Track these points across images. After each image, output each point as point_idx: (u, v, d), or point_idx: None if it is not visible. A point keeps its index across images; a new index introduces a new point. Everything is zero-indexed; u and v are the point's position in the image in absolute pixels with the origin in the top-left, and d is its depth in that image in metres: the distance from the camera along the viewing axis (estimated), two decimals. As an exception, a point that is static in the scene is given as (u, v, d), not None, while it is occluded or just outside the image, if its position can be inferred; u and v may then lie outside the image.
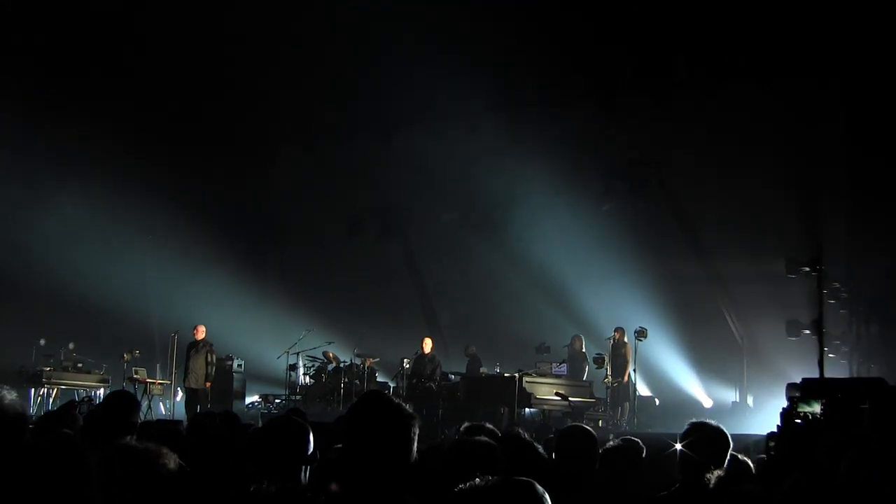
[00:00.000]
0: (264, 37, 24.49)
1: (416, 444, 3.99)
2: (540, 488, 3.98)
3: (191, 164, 27.74)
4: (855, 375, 17.94)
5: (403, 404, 4.07)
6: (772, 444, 8.89)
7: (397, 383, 22.82)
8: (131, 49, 24.74)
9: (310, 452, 5.00)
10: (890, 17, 19.44)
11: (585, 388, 20.50)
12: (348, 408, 4.22)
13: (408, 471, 3.94)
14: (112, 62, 25.11)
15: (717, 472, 6.00)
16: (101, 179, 25.87)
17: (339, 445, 5.71)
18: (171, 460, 4.27)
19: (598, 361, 21.21)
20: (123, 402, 7.01)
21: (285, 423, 5.23)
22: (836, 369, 18.55)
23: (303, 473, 4.90)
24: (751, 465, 7.05)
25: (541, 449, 6.35)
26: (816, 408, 9.43)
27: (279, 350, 24.70)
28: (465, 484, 3.57)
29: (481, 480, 3.58)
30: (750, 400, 22.93)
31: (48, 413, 9.94)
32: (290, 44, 24.63)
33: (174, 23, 24.10)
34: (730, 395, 23.45)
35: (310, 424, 5.43)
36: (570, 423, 17.94)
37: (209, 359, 21.37)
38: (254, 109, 26.80)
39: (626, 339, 21.28)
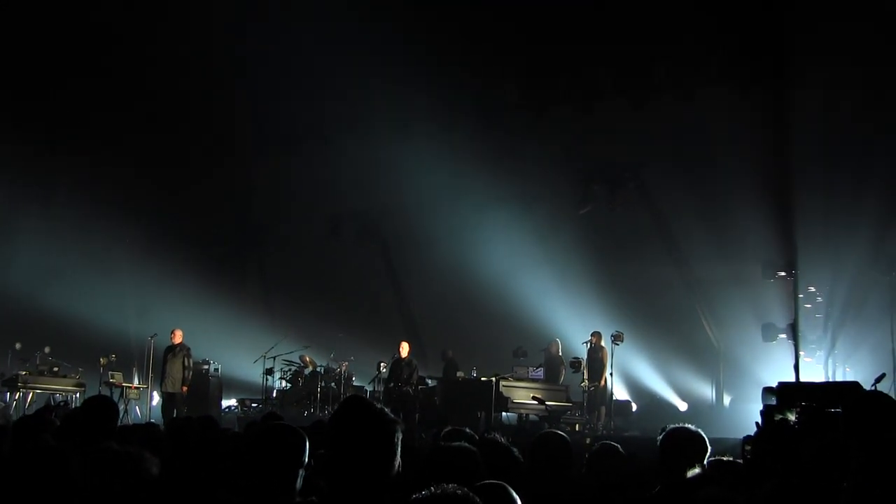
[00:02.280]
0: (243, 41, 24.49)
1: (399, 451, 3.98)
2: (512, 492, 3.99)
3: (167, 168, 27.69)
4: (830, 379, 18.06)
5: (386, 410, 4.05)
6: (748, 447, 8.94)
7: (374, 387, 22.79)
8: (109, 54, 24.69)
9: (306, 460, 4.97)
10: (867, 22, 19.63)
11: (562, 392, 20.54)
12: (331, 414, 4.20)
13: (391, 478, 3.93)
14: (86, 68, 25.06)
15: (694, 471, 6.06)
16: (75, 185, 25.76)
17: (320, 451, 5.71)
18: (154, 465, 4.27)
19: (575, 365, 21.24)
20: (103, 407, 6.99)
21: (284, 430, 5.18)
22: (812, 373, 18.67)
23: (298, 480, 4.87)
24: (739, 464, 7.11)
25: (517, 453, 6.37)
26: (791, 415, 9.49)
27: (256, 354, 24.63)
28: (436, 488, 3.56)
29: (453, 485, 3.58)
30: (726, 403, 23.00)
31: (23, 418, 9.90)
32: (269, 47, 24.65)
33: (148, 28, 24.11)
34: (706, 399, 23.52)
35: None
36: (546, 426, 18.02)
37: (186, 363, 21.26)
38: (232, 113, 26.79)
39: (602, 343, 21.30)
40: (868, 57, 20.01)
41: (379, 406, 4.09)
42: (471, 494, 3.52)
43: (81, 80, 25.29)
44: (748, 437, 9.14)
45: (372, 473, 3.86)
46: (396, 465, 3.96)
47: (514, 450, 6.36)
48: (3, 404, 22.07)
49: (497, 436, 6.77)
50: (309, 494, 4.70)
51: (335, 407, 22.48)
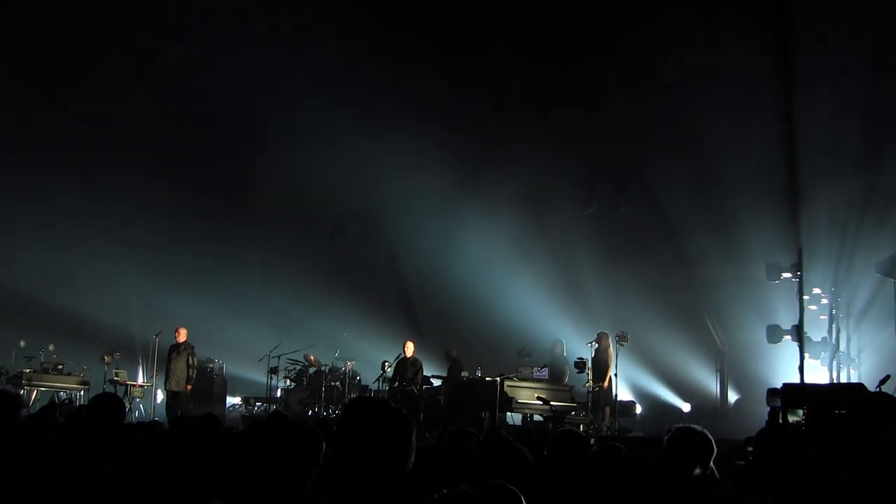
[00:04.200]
0: (244, 40, 24.49)
1: (413, 449, 3.96)
2: (511, 488, 3.98)
3: (171, 166, 27.71)
4: (835, 381, 18.03)
5: (402, 409, 4.02)
6: (750, 448, 8.93)
7: (378, 387, 22.79)
8: (109, 51, 24.72)
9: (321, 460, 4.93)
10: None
11: (566, 393, 20.51)
12: (343, 414, 4.16)
13: (404, 477, 3.91)
14: (85, 67, 25.10)
15: (699, 472, 6.06)
16: (81, 182, 25.79)
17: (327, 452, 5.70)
18: (150, 463, 4.27)
19: (580, 366, 21.18)
20: (109, 405, 6.98)
21: (301, 430, 5.15)
22: (817, 374, 18.63)
23: (309, 481, 4.84)
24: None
25: (525, 451, 6.37)
26: (799, 415, 9.48)
27: (261, 353, 24.65)
28: (444, 491, 3.56)
29: (459, 487, 3.57)
30: (731, 404, 22.97)
31: (28, 416, 9.90)
32: (270, 46, 24.67)
33: (151, 26, 24.14)
34: (710, 400, 23.48)
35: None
36: (551, 427, 18.02)
37: (190, 361, 21.29)
38: (235, 112, 26.79)
39: (608, 344, 21.27)
40: (874, 56, 19.99)
41: (394, 405, 4.07)
42: (483, 494, 3.52)
43: (83, 78, 25.31)
44: (750, 438, 9.13)
45: (387, 472, 3.83)
46: (409, 464, 3.94)
47: (522, 447, 6.36)
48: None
49: (505, 433, 6.78)
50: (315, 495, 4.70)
51: (339, 407, 22.55)
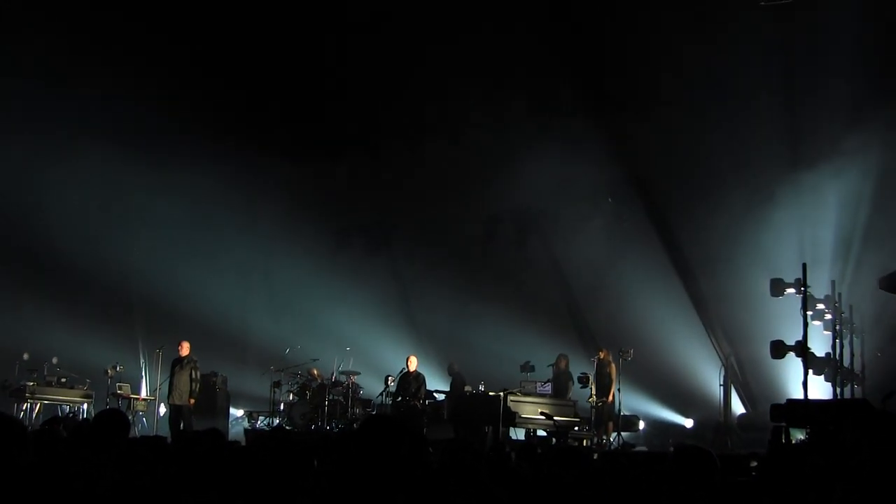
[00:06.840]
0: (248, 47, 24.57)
1: (420, 466, 3.97)
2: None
3: (178, 174, 27.67)
4: (839, 397, 18.00)
5: (410, 425, 4.04)
6: (754, 464, 8.93)
7: (382, 401, 22.76)
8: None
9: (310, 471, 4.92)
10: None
11: (570, 408, 20.47)
12: (360, 432, 4.15)
13: (408, 491, 3.92)
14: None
15: (700, 489, 6.06)
16: (84, 189, 25.81)
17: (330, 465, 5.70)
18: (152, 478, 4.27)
19: (583, 380, 21.19)
20: (113, 421, 6.96)
21: (275, 440, 5.16)
22: (821, 390, 18.61)
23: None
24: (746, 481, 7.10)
25: (525, 466, 6.37)
26: (801, 433, 9.49)
27: (264, 367, 24.65)
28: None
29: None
30: (734, 420, 22.90)
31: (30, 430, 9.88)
32: (281, 58, 24.73)
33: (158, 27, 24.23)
34: (713, 415, 23.42)
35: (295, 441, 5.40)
36: (553, 442, 18.00)
37: (193, 375, 21.24)
38: (240, 124, 26.81)
39: (610, 359, 21.28)
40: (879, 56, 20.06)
41: (408, 425, 4.08)
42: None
43: (82, 79, 25.32)
44: (754, 452, 9.13)
45: (391, 487, 3.84)
46: (415, 478, 3.94)
47: (522, 462, 6.36)
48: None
49: (508, 449, 6.78)
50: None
51: (342, 421, 22.52)
